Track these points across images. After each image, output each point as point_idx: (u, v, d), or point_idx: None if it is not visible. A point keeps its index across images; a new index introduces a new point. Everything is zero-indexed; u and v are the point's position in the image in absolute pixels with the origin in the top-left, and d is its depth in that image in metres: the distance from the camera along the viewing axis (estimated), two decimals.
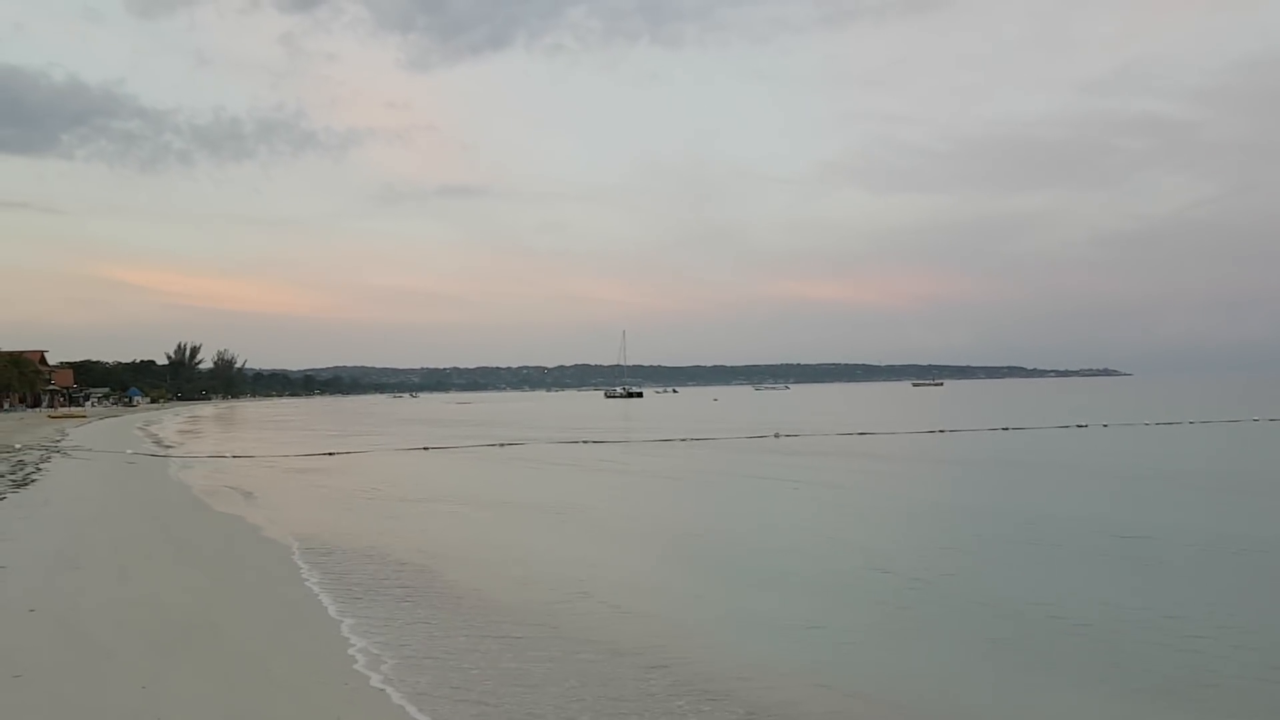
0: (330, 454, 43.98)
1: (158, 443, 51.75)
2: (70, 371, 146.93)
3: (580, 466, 35.31)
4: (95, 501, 21.87)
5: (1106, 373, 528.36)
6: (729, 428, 60.98)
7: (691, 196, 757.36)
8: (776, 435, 51.14)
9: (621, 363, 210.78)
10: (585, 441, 48.60)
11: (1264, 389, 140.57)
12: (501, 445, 46.79)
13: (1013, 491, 25.22)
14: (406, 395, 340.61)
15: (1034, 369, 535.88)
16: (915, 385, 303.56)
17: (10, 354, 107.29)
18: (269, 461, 38.91)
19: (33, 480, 25.46)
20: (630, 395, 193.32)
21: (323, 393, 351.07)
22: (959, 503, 22.94)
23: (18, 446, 39.96)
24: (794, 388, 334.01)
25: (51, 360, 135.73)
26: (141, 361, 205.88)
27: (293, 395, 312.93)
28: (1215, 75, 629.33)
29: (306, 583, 13.17)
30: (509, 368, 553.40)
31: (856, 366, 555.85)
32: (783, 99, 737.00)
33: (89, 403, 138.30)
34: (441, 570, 14.28)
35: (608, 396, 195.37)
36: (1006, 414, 73.53)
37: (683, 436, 51.17)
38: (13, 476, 26.19)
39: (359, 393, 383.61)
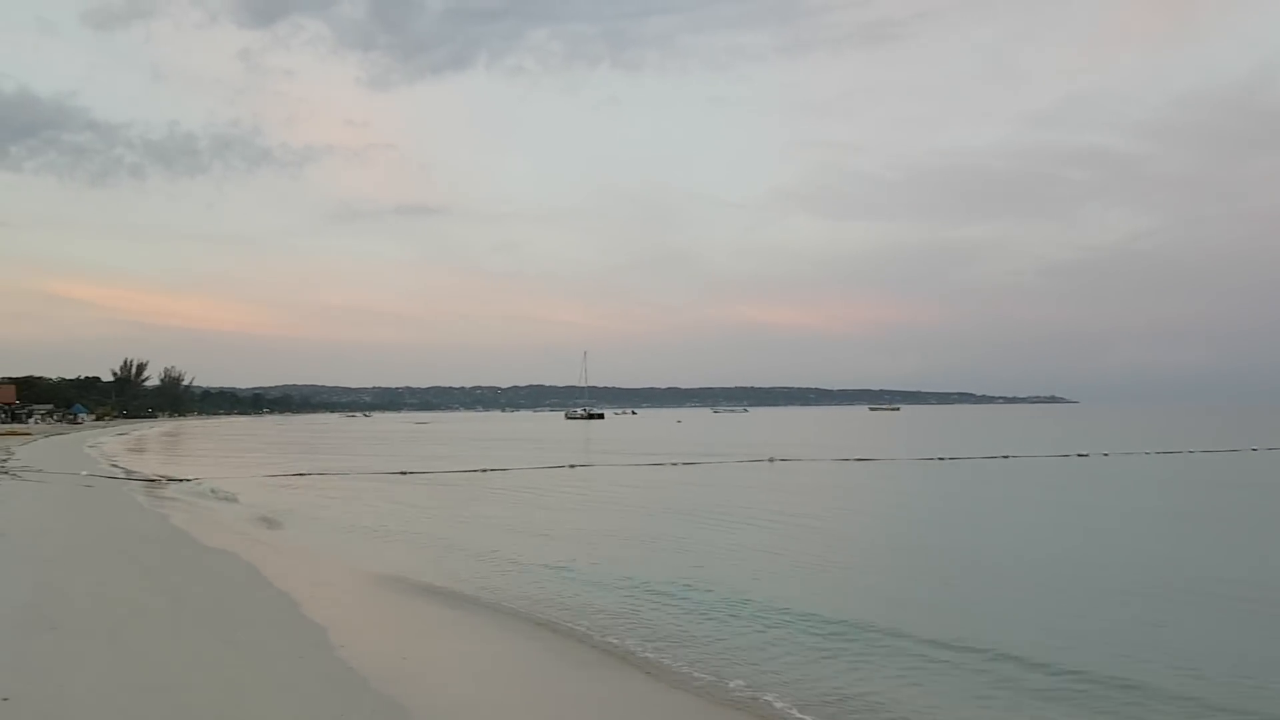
0: (300, 474, 41.15)
1: (113, 463, 48.24)
2: (13, 387, 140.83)
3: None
4: (59, 534, 18.87)
5: (1053, 400, 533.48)
6: (719, 451, 58.56)
7: (647, 220, 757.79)
8: (771, 460, 48.94)
9: (583, 384, 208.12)
10: (573, 465, 46.16)
11: (1223, 418, 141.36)
12: (484, 470, 44.15)
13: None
14: (359, 414, 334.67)
15: (983, 395, 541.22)
16: (872, 410, 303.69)
17: None
18: (237, 484, 35.87)
19: None
20: (591, 416, 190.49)
21: (271, 411, 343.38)
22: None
23: None
24: (751, 410, 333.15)
25: None
26: (86, 378, 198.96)
27: (241, 414, 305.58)
28: (1158, 110, 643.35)
29: (338, 647, 10.50)
30: (462, 388, 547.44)
31: (809, 390, 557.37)
32: (739, 125, 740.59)
33: (32, 419, 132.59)
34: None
35: (568, 417, 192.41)
36: (993, 441, 71.94)
37: (681, 460, 48.83)
38: None
39: (309, 411, 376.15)
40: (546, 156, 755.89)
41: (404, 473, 42.68)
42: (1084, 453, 52.09)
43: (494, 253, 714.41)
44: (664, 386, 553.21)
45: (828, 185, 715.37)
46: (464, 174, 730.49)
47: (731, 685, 9.74)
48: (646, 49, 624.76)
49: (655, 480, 38.29)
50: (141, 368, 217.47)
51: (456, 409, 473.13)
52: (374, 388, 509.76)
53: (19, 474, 35.04)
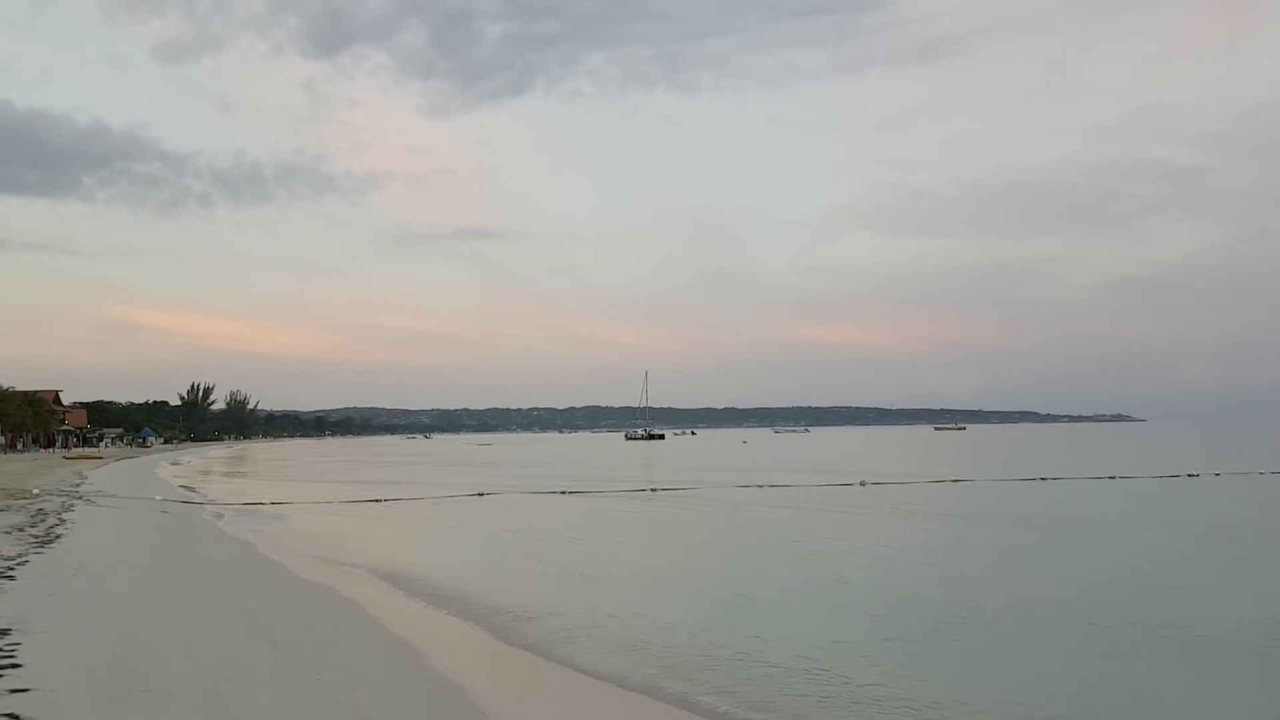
0: (377, 501, 39.68)
1: (186, 487, 47.36)
2: (84, 412, 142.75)
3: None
4: (139, 568, 17.38)
5: (1120, 418, 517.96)
6: (799, 473, 56.23)
7: (704, 240, 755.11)
8: (862, 483, 46.53)
9: (644, 404, 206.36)
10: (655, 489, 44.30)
11: None
12: (563, 493, 42.40)
13: None
14: (419, 436, 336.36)
15: (1047, 414, 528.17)
16: (937, 429, 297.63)
17: (25, 393, 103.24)
18: (316, 509, 34.54)
19: (57, 536, 20.87)
20: (651, 437, 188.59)
21: (334, 434, 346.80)
22: None
23: (35, 492, 35.45)
24: (812, 430, 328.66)
25: (65, 400, 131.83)
26: (154, 402, 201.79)
27: (304, 436, 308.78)
28: (1224, 122, 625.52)
29: (483, 715, 8.70)
30: (520, 409, 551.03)
31: (868, 410, 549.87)
32: (795, 144, 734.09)
33: (103, 443, 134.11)
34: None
35: (628, 438, 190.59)
36: (1085, 460, 68.78)
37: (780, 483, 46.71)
38: (33, 530, 21.63)
39: (370, 433, 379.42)
40: (603, 179, 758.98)
41: (481, 494, 41.21)
42: (1193, 472, 48.97)
43: (551, 275, 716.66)
44: (721, 407, 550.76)
45: (886, 203, 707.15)
46: (522, 197, 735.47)
47: None
48: (702, 70, 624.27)
49: (760, 507, 36.16)
50: (208, 392, 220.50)
51: (514, 430, 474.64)
52: (433, 410, 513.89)
53: (93, 499, 34.00)
